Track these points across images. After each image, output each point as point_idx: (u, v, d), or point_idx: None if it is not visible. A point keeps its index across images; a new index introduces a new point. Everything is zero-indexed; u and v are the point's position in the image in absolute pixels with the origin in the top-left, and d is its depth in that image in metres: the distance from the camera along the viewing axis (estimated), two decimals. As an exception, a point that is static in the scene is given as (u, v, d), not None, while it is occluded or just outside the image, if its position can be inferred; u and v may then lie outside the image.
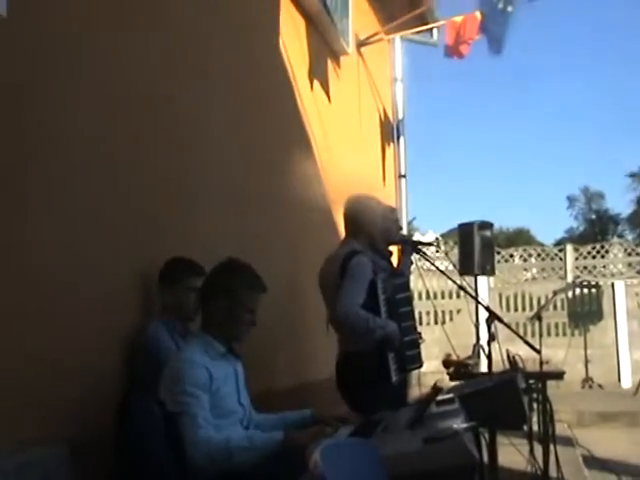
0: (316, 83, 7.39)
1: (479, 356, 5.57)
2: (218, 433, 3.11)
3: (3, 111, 3.04)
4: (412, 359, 4.85)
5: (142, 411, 3.15)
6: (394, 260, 5.36)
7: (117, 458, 3.31)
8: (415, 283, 7.73)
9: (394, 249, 5.42)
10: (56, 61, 3.42)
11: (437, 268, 5.07)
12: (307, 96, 7.08)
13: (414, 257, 5.38)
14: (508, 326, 4.08)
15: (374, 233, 4.89)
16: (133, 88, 4.07)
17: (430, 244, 5.74)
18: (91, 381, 3.53)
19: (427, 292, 11.41)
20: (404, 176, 10.96)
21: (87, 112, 3.63)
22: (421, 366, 5.06)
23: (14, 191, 3.10)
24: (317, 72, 7.41)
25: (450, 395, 3.33)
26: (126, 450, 3.21)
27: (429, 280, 10.43)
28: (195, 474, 3.11)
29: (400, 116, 11.08)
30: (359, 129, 9.22)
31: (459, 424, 2.57)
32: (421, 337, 5.00)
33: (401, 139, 10.94)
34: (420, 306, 12.08)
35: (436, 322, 13.01)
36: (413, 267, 5.49)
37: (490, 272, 6.98)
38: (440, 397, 3.24)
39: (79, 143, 3.54)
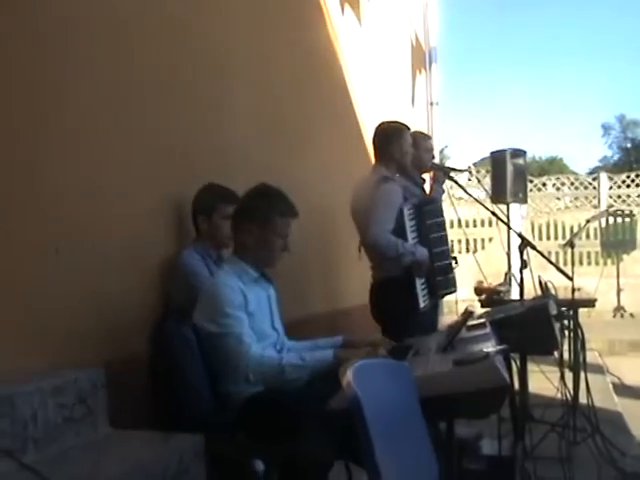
0: (347, 7, 7.28)
1: (511, 284, 5.57)
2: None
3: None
4: (445, 284, 4.88)
5: (176, 337, 3.18)
6: (427, 187, 5.36)
7: (152, 383, 3.37)
8: (447, 211, 7.66)
9: (426, 176, 5.42)
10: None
11: (469, 195, 5.05)
12: (338, 20, 6.97)
13: (446, 185, 5.37)
14: (540, 252, 4.06)
15: (403, 160, 4.88)
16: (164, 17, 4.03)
17: (462, 170, 5.70)
18: (126, 308, 3.57)
19: (459, 220, 11.36)
20: (436, 103, 10.85)
21: (112, 41, 3.60)
22: (455, 291, 5.09)
23: (33, 114, 3.11)
24: (348, -4, 7.30)
25: (481, 320, 3.34)
26: (161, 375, 3.26)
27: (461, 208, 10.38)
28: (229, 396, 3.16)
29: (433, 42, 10.91)
30: (390, 54, 9.08)
31: (490, 347, 2.58)
32: (456, 261, 5.03)
33: (434, 66, 10.80)
34: (452, 234, 11.99)
35: (468, 250, 13.01)
36: (445, 195, 5.48)
37: (522, 200, 6.94)
38: (471, 322, 3.26)
39: (108, 75, 3.53)
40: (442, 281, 4.84)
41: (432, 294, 4.75)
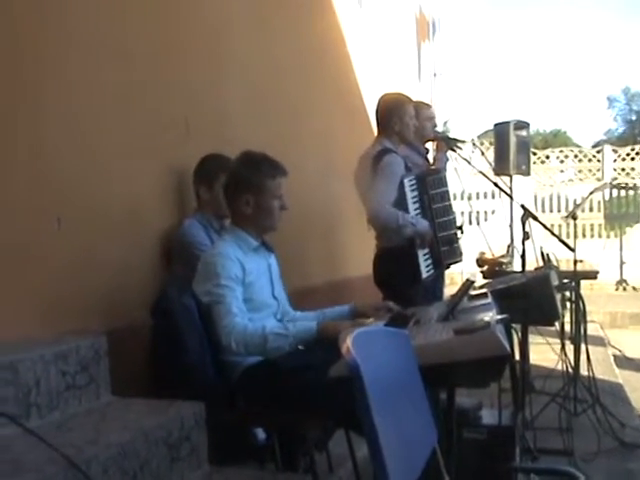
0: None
1: (513, 255, 5.57)
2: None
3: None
4: (450, 254, 4.88)
5: (178, 306, 3.19)
6: (430, 157, 5.36)
7: (154, 351, 3.38)
8: (450, 183, 7.68)
9: (430, 146, 5.41)
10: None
11: (473, 166, 5.06)
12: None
13: (449, 155, 5.35)
14: (542, 224, 4.06)
15: (405, 132, 4.87)
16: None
17: (464, 142, 5.68)
18: (129, 277, 3.60)
19: (462, 193, 11.35)
20: (440, 74, 10.79)
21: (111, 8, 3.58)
22: (461, 260, 5.10)
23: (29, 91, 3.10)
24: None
25: (483, 290, 3.34)
26: (162, 344, 3.27)
27: (464, 180, 10.38)
28: (229, 365, 3.18)
29: (436, 13, 10.83)
30: (394, 25, 9.03)
31: (491, 317, 2.58)
32: (462, 231, 5.03)
33: (437, 36, 10.73)
34: (455, 206, 12.01)
35: (471, 222, 12.98)
36: (449, 165, 5.46)
37: (525, 172, 6.91)
38: (473, 292, 3.25)
39: (104, 43, 3.52)
40: (447, 251, 4.85)
41: (437, 264, 4.76)
